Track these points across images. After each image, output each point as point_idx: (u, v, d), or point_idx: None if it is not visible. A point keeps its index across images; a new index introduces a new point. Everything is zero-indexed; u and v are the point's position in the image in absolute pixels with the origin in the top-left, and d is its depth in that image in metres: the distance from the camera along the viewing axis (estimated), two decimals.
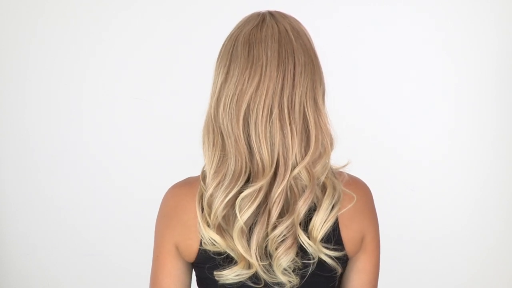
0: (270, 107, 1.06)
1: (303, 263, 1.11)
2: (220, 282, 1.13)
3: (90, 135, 2.46)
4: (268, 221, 1.07)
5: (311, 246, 1.09)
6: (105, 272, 2.53)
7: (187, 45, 2.33)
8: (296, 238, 1.08)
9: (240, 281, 1.12)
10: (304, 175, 1.07)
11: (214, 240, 1.09)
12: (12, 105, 2.48)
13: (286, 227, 1.07)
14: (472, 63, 2.25)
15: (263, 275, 1.11)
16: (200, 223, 1.10)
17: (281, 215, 1.08)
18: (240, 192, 1.07)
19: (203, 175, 1.13)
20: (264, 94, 1.06)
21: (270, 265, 1.10)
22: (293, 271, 1.11)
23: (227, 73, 1.08)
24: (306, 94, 1.08)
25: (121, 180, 2.46)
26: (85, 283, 2.56)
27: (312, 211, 1.10)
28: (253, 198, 1.06)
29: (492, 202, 2.33)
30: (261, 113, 1.06)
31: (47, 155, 2.49)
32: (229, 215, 1.09)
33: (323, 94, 1.12)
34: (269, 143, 1.06)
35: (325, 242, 1.11)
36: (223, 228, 1.09)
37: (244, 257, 1.09)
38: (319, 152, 1.08)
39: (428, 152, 2.33)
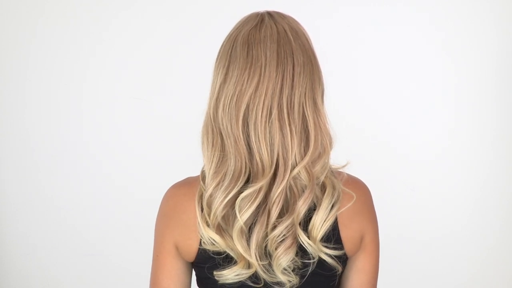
0: (269, 107, 1.06)
1: (302, 262, 1.11)
2: (220, 282, 1.13)
3: (90, 135, 2.46)
4: (267, 221, 1.08)
5: (311, 246, 1.09)
6: (105, 272, 2.53)
7: (187, 45, 2.33)
8: (295, 238, 1.08)
9: (240, 281, 1.12)
10: (303, 175, 1.07)
11: (214, 240, 1.10)
12: (12, 105, 2.48)
13: (286, 227, 1.07)
14: (472, 63, 2.25)
15: (262, 274, 1.11)
16: (200, 223, 1.10)
17: (281, 215, 1.08)
18: (239, 192, 1.07)
19: (203, 175, 1.13)
20: (264, 94, 1.06)
21: (270, 264, 1.10)
22: (292, 270, 1.11)
23: (226, 73, 1.08)
24: (305, 94, 1.08)
25: (121, 180, 2.46)
26: (85, 283, 2.56)
27: (311, 210, 1.10)
28: (253, 198, 1.07)
29: (492, 202, 2.33)
30: (260, 113, 1.06)
31: (47, 155, 2.49)
32: (229, 215, 1.09)
33: (322, 94, 1.12)
34: (268, 143, 1.06)
35: (324, 242, 1.11)
36: (223, 228, 1.09)
37: (243, 257, 1.09)
38: (318, 152, 1.09)
39: (428, 152, 2.33)
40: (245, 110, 1.06)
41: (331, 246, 1.11)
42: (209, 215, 1.09)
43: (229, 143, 1.08)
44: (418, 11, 2.25)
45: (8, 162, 2.52)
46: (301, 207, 1.07)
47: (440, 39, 2.25)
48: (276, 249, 1.08)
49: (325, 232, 1.10)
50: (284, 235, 1.08)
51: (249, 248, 1.08)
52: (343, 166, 1.15)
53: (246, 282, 1.12)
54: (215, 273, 1.13)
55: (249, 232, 1.09)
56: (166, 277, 1.18)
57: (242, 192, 1.07)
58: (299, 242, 1.09)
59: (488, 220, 2.34)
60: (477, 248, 2.36)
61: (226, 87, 1.08)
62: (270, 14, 1.13)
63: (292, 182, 1.08)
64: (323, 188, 1.11)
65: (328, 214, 1.09)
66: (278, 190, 1.06)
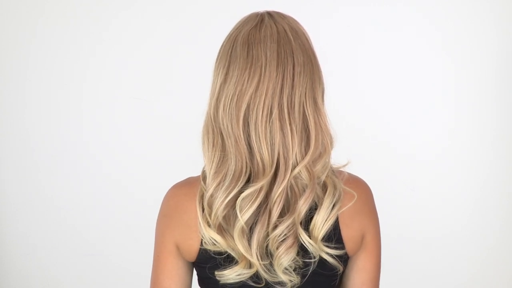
0: (270, 107, 1.06)
1: (304, 262, 1.11)
2: (221, 282, 1.13)
3: (90, 135, 2.46)
4: (268, 221, 1.08)
5: (312, 245, 1.09)
6: (105, 272, 2.53)
7: (187, 45, 2.33)
8: (297, 237, 1.08)
9: (241, 281, 1.12)
10: (304, 175, 1.07)
11: (215, 240, 1.10)
12: (12, 105, 2.48)
13: (287, 227, 1.07)
14: (472, 63, 2.25)
15: (264, 274, 1.11)
16: (201, 223, 1.10)
17: (282, 214, 1.08)
18: (240, 192, 1.07)
19: (203, 175, 1.13)
20: (264, 94, 1.06)
21: (271, 264, 1.10)
22: (294, 270, 1.11)
23: (227, 73, 1.08)
24: (305, 93, 1.08)
25: (121, 180, 2.46)
26: (85, 283, 2.56)
27: (312, 210, 1.10)
28: (253, 198, 1.07)
29: (492, 202, 2.33)
30: (261, 113, 1.06)
31: (47, 155, 2.49)
32: (230, 215, 1.09)
33: (322, 94, 1.12)
34: (269, 143, 1.06)
35: (326, 241, 1.11)
36: (224, 228, 1.09)
37: (244, 257, 1.09)
38: (319, 152, 1.09)
39: (428, 152, 2.33)
40: (245, 110, 1.06)
41: (332, 245, 1.11)
42: (210, 215, 1.09)
43: (230, 143, 1.08)
44: (418, 11, 2.25)
45: (8, 162, 2.52)
46: (302, 207, 1.07)
47: (440, 39, 2.25)
48: (277, 248, 1.08)
49: (326, 232, 1.10)
50: (285, 234, 1.08)
51: (250, 248, 1.08)
52: (344, 166, 1.15)
53: (248, 282, 1.12)
54: (216, 273, 1.13)
55: (250, 232, 1.09)
56: (167, 277, 1.18)
57: (243, 192, 1.07)
58: (300, 241, 1.09)
59: (488, 220, 2.34)
60: (477, 248, 2.36)
61: (226, 87, 1.08)
62: (270, 14, 1.13)
63: (293, 182, 1.07)
64: (324, 187, 1.11)
65: (329, 214, 1.09)
66: (279, 190, 1.06)
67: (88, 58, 2.41)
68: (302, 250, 1.10)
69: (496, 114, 2.27)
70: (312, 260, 1.11)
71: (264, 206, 1.08)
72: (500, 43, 2.22)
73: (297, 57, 1.08)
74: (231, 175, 1.08)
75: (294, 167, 1.07)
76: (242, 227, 1.07)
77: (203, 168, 1.14)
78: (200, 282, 1.20)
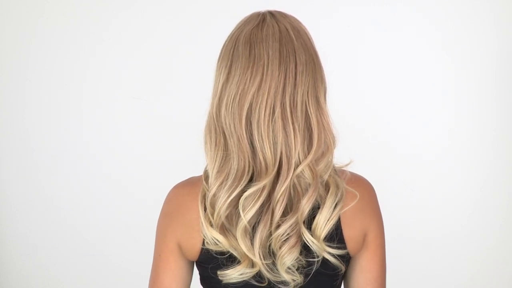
0: (272, 106, 1.06)
1: (307, 261, 1.11)
2: (224, 282, 1.13)
3: (90, 135, 2.46)
4: (271, 220, 1.07)
5: (315, 244, 1.09)
6: (105, 272, 2.53)
7: (187, 45, 2.33)
8: (300, 237, 1.08)
9: (244, 280, 1.12)
10: (307, 173, 1.07)
11: (217, 240, 1.09)
12: (12, 105, 2.48)
13: (290, 226, 1.07)
14: (472, 63, 2.25)
15: (266, 274, 1.10)
16: (203, 222, 1.10)
17: (285, 213, 1.08)
18: (243, 191, 1.07)
19: (206, 175, 1.13)
20: (266, 93, 1.06)
21: (274, 263, 1.10)
22: (297, 269, 1.11)
23: (229, 73, 1.08)
24: (308, 92, 1.08)
25: (121, 180, 2.46)
26: (85, 283, 2.56)
27: (315, 209, 1.09)
28: (256, 197, 1.06)
29: (492, 202, 2.33)
30: (263, 112, 1.06)
31: (47, 155, 2.49)
32: (232, 214, 1.09)
33: (324, 93, 1.12)
34: (271, 142, 1.06)
35: (328, 241, 1.10)
36: (226, 227, 1.09)
37: (247, 256, 1.09)
38: (321, 151, 1.08)
39: (428, 152, 2.33)
40: (248, 109, 1.06)
41: (334, 245, 1.11)
42: (212, 215, 1.09)
43: (232, 142, 1.07)
44: (418, 11, 2.25)
45: (8, 162, 2.52)
46: (305, 206, 1.07)
47: (440, 39, 2.25)
48: (280, 248, 1.08)
49: (328, 232, 1.10)
50: (288, 234, 1.07)
51: (253, 247, 1.08)
52: (346, 165, 1.14)
53: (250, 281, 1.12)
54: (218, 272, 1.12)
55: (252, 231, 1.09)
56: (168, 276, 1.18)
57: (246, 191, 1.07)
58: (303, 240, 1.09)
59: (488, 220, 2.34)
60: (477, 248, 2.36)
61: (228, 86, 1.08)
62: (271, 13, 1.13)
63: (295, 181, 1.07)
64: (326, 187, 1.10)
65: (332, 213, 1.09)
66: (281, 189, 1.06)
67: (88, 58, 2.41)
68: (305, 250, 1.10)
69: (496, 114, 2.27)
70: (315, 260, 1.11)
71: (267, 205, 1.08)
72: (500, 43, 2.23)
73: (299, 56, 1.08)
74: (234, 174, 1.07)
75: (296, 166, 1.06)
76: (245, 226, 1.07)
77: (205, 167, 1.14)
78: (202, 281, 1.20)
